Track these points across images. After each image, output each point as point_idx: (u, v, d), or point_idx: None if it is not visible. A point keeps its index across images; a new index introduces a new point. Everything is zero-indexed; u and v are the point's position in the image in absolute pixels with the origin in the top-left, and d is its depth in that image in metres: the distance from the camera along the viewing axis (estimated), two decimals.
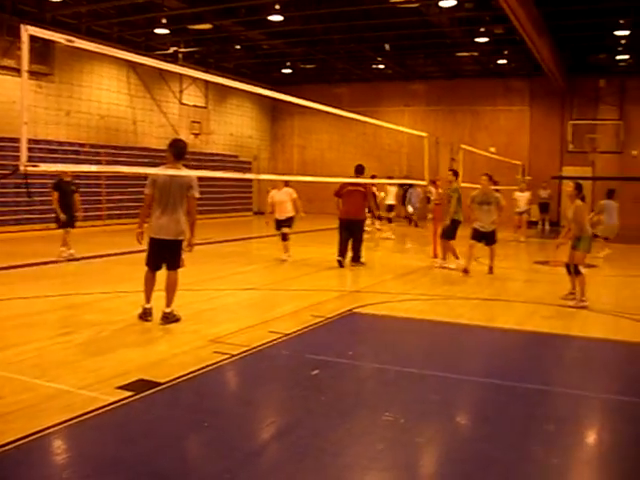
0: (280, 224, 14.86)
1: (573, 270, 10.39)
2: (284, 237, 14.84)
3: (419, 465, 4.67)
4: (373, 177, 19.77)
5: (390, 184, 24.99)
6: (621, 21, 20.89)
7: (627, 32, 21.94)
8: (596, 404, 6.01)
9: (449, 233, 14.21)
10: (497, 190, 14.65)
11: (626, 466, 4.64)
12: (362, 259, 14.14)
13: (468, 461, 4.59)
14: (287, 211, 14.77)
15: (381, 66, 30.29)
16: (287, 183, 14.96)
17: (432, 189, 18.90)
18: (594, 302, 10.23)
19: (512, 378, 6.50)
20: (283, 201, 14.73)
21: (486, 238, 13.39)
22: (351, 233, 13.99)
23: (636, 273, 14.44)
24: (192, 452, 4.82)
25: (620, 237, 17.94)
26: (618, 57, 26.52)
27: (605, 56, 26.72)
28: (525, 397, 5.99)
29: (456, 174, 14.65)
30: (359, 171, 14.54)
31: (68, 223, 14.19)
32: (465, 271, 13.01)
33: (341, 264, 13.91)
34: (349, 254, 14.10)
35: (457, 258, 14.10)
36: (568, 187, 10.79)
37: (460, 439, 5.10)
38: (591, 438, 5.28)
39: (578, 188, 10.56)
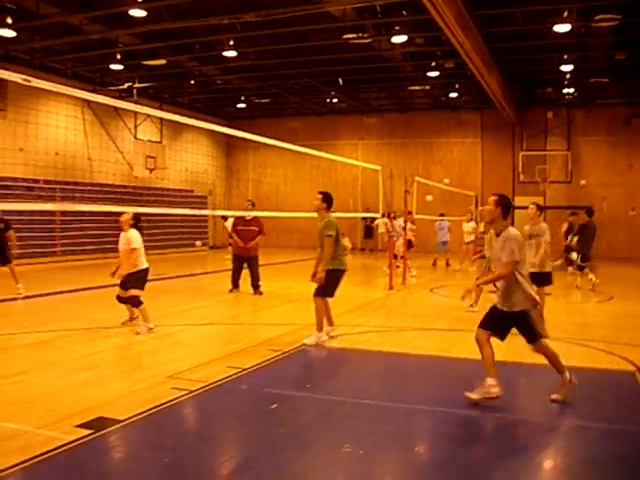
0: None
1: None
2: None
3: None
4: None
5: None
6: (565, 56, 21.59)
7: (571, 67, 22.68)
8: (561, 430, 6.15)
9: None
10: None
11: None
12: (261, 288, 14.77)
13: None
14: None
15: (335, 100, 30.63)
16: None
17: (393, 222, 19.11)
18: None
19: (465, 406, 6.61)
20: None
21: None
22: (248, 266, 14.79)
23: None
24: None
25: None
26: (564, 90, 27.31)
27: (552, 89, 27.52)
28: (479, 424, 6.15)
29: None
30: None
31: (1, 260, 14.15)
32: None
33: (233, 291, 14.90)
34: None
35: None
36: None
37: (418, 468, 5.19)
38: (557, 461, 5.39)
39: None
